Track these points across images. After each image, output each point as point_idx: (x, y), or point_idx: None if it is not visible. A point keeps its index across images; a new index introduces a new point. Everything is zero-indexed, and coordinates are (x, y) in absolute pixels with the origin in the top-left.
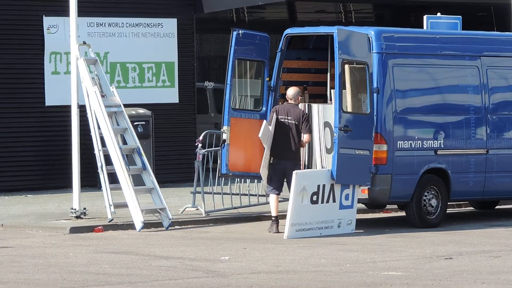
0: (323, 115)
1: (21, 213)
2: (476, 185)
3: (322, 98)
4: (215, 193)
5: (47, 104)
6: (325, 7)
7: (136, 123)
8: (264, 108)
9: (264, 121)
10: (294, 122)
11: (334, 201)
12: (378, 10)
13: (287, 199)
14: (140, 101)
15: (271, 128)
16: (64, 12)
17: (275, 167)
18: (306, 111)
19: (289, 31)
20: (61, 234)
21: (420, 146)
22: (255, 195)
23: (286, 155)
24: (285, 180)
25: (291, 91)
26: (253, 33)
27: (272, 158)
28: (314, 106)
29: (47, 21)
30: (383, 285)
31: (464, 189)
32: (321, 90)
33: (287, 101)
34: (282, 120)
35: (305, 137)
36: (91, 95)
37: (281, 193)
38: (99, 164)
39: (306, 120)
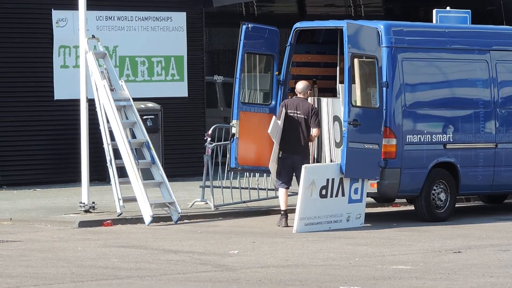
0: (332, 109)
1: (30, 207)
2: (485, 179)
3: (331, 92)
4: (224, 187)
5: (56, 98)
6: (334, 1)
7: (145, 117)
8: (273, 102)
9: (273, 116)
10: (303, 116)
11: (343, 195)
12: (388, 4)
13: (296, 193)
14: (149, 95)
15: (280, 122)
16: (73, 6)
17: (284, 161)
18: (315, 105)
19: (299, 25)
20: (70, 228)
21: (429, 140)
22: (264, 189)
23: (295, 149)
24: (294, 174)
25: (300, 85)
26: (262, 27)
27: (281, 152)
28: (324, 100)
29: (56, 14)
30: (391, 279)
31: (473, 183)
32: (331, 84)
33: (296, 95)
34: (291, 114)
35: (314, 131)
36: (100, 89)
37: (290, 187)
38: (108, 158)
39: (315, 114)
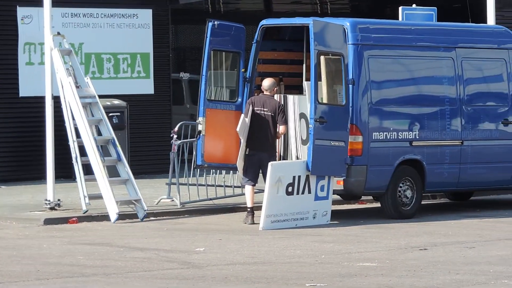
0: (298, 106)
1: None
2: (451, 176)
3: (297, 89)
4: (190, 185)
5: (21, 95)
6: None
7: (111, 114)
8: (239, 99)
9: (242, 115)
10: (270, 113)
11: (309, 192)
12: (354, 1)
13: (262, 190)
14: (115, 92)
15: (248, 120)
16: (38, 2)
17: (251, 159)
18: (282, 103)
19: (265, 22)
20: (35, 225)
21: (395, 138)
22: (231, 187)
23: (262, 146)
24: (260, 172)
25: (267, 82)
26: (228, 24)
27: (248, 149)
28: (290, 97)
29: (21, 11)
30: (358, 276)
31: (439, 180)
32: (297, 81)
33: (263, 92)
34: (258, 111)
35: (281, 128)
36: (66, 86)
37: (256, 184)
38: (73, 155)
39: (282, 111)
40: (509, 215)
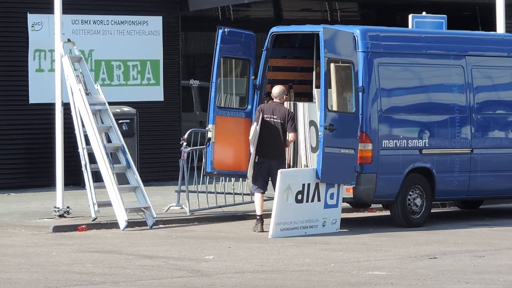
0: (308, 113)
1: (3, 212)
2: (460, 185)
3: (307, 97)
4: (199, 192)
5: (31, 102)
6: (310, 6)
7: (120, 121)
8: (249, 107)
9: (254, 123)
10: (279, 121)
11: (319, 200)
12: (364, 9)
13: (272, 198)
14: (125, 99)
15: (257, 127)
16: (49, 9)
17: (261, 166)
18: (292, 110)
19: (275, 29)
20: (44, 233)
21: (405, 145)
22: (240, 194)
23: (271, 154)
24: (270, 179)
25: (276, 90)
26: (238, 31)
27: (257, 157)
28: (300, 105)
29: (32, 18)
30: (367, 285)
31: (448, 189)
32: (307, 89)
33: (272, 99)
34: (268, 119)
35: (290, 136)
36: (76, 93)
37: (266, 192)
38: (83, 163)
39: (291, 119)
40: None
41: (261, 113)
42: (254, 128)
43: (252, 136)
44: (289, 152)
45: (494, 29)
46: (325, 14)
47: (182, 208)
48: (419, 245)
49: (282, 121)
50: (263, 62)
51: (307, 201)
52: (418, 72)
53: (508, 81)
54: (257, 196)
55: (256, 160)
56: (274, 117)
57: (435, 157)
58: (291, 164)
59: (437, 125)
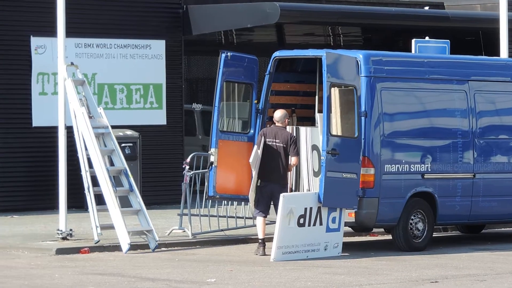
0: (311, 138)
1: (7, 234)
2: (462, 209)
3: (310, 121)
4: (202, 215)
5: (34, 125)
6: (313, 30)
7: (123, 145)
8: (252, 131)
9: (255, 146)
10: (282, 145)
11: (321, 224)
12: (367, 33)
13: (274, 222)
14: (127, 123)
15: (260, 151)
16: (52, 33)
17: (263, 190)
18: (294, 134)
19: (278, 53)
20: (47, 255)
21: (407, 170)
22: (242, 218)
23: (274, 178)
24: (272, 203)
25: (278, 114)
26: (241, 56)
27: (259, 180)
28: (302, 129)
29: (35, 41)
30: None
31: (450, 213)
32: (309, 113)
33: (274, 123)
34: (270, 143)
35: (293, 159)
36: (79, 116)
37: (268, 216)
38: (86, 185)
39: (294, 143)
40: None
41: (263, 137)
42: (255, 151)
43: (253, 159)
44: (291, 176)
45: (497, 54)
46: (328, 38)
47: (185, 231)
48: (420, 269)
49: (284, 145)
50: (266, 86)
51: (309, 225)
52: (420, 96)
53: (511, 106)
54: (259, 220)
55: (258, 184)
56: (277, 141)
57: (437, 181)
58: (293, 188)
59: (439, 149)
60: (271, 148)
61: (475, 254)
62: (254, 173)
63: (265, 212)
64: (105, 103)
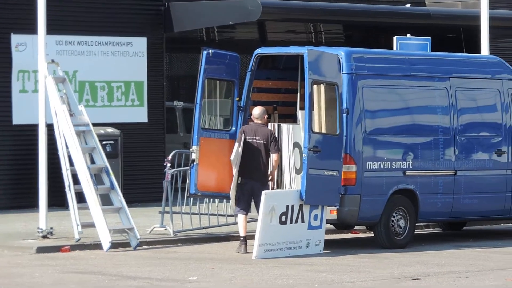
0: (292, 135)
1: None
2: (444, 206)
3: (291, 118)
4: (183, 213)
5: (14, 122)
6: (295, 27)
7: (104, 142)
8: (233, 128)
9: (236, 143)
10: (262, 141)
11: (302, 221)
12: (348, 30)
13: (256, 220)
14: (109, 120)
15: (240, 149)
16: (33, 30)
17: (243, 187)
18: (275, 131)
19: (259, 51)
20: (28, 253)
21: (389, 167)
22: (224, 215)
23: (254, 175)
24: (253, 201)
25: (257, 111)
26: (223, 53)
27: (240, 178)
28: (284, 126)
29: (15, 38)
30: None
31: (432, 210)
32: (291, 110)
33: (253, 121)
34: (250, 140)
35: (274, 156)
36: (59, 114)
37: (249, 213)
38: (66, 184)
39: (274, 139)
40: (503, 245)
41: (243, 135)
42: (236, 149)
43: (234, 157)
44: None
45: (479, 51)
46: (309, 35)
47: (166, 229)
48: (402, 266)
49: (265, 142)
50: (248, 84)
51: (291, 222)
52: (402, 94)
53: (492, 103)
54: (240, 218)
55: (239, 182)
56: (257, 138)
57: (419, 178)
58: (274, 186)
59: (421, 147)
60: (252, 145)
61: (457, 251)
62: (235, 171)
63: (246, 209)
64: (86, 101)
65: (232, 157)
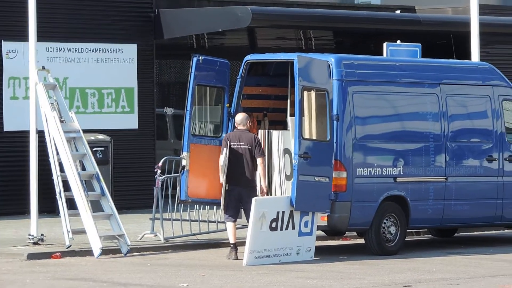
0: (283, 141)
1: None
2: (435, 213)
3: (282, 125)
4: (174, 220)
5: (5, 129)
6: (285, 34)
7: (95, 149)
8: (223, 135)
9: (224, 149)
10: (247, 147)
11: (293, 228)
12: (338, 37)
13: (246, 226)
14: (99, 127)
15: (226, 156)
16: (23, 37)
17: (231, 194)
18: (262, 137)
19: (250, 57)
20: (18, 260)
21: (380, 174)
22: (214, 222)
23: (241, 181)
24: (241, 207)
25: (240, 117)
26: (213, 59)
27: (227, 185)
28: (274, 133)
29: (6, 45)
30: None
31: (423, 217)
32: (281, 117)
33: (236, 127)
34: (235, 147)
35: (259, 160)
36: (50, 121)
37: (238, 220)
38: (57, 190)
39: (258, 144)
40: (494, 252)
41: (228, 141)
42: (224, 157)
43: (223, 163)
44: (264, 180)
45: (469, 58)
46: (299, 42)
47: (157, 235)
48: (393, 273)
49: (249, 147)
50: (238, 90)
51: (281, 229)
52: (392, 100)
53: (483, 110)
54: (229, 225)
55: (227, 188)
56: (241, 144)
57: (410, 185)
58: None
59: (411, 153)
60: (236, 151)
61: (447, 258)
62: (224, 178)
63: (234, 216)
64: (76, 107)
65: (221, 163)
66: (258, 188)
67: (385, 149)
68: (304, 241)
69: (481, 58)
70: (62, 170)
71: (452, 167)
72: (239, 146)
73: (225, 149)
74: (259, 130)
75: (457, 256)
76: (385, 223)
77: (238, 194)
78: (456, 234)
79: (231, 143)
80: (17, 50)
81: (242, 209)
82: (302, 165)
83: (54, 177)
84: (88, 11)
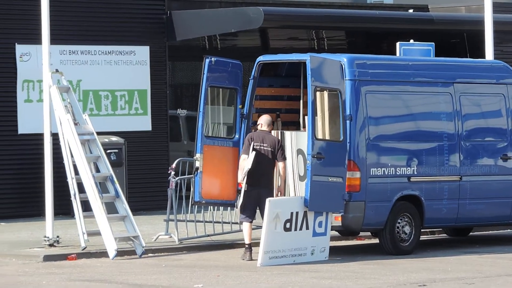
0: (296, 142)
1: None
2: (449, 212)
3: (295, 126)
4: (188, 221)
5: (19, 132)
6: (297, 34)
7: (109, 151)
8: (237, 136)
9: (253, 152)
10: (270, 149)
11: (307, 228)
12: (351, 37)
13: (260, 227)
14: (113, 129)
15: (251, 155)
16: (37, 40)
17: (250, 194)
18: (279, 138)
19: (262, 58)
20: (35, 262)
21: (393, 173)
22: (228, 223)
23: (261, 182)
24: (258, 208)
25: (265, 118)
26: (225, 61)
27: (246, 185)
28: (287, 134)
29: (20, 49)
30: None
31: (437, 216)
32: (294, 118)
33: (257, 128)
34: (258, 147)
35: (281, 164)
36: (64, 123)
37: (253, 221)
38: (72, 192)
39: (281, 147)
40: (509, 251)
41: (251, 141)
42: (250, 158)
43: (248, 165)
44: (277, 180)
45: (483, 56)
46: (312, 42)
47: (171, 237)
48: (408, 273)
49: (272, 149)
50: (250, 91)
51: (295, 229)
52: (406, 99)
53: (497, 108)
54: (245, 225)
55: (246, 189)
56: (264, 145)
57: (424, 184)
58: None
59: (425, 152)
60: (259, 152)
61: (463, 257)
62: (243, 178)
63: (251, 217)
64: (90, 110)
65: (247, 164)
66: (275, 189)
67: (399, 149)
68: (318, 241)
69: (495, 57)
70: (76, 172)
71: (467, 166)
72: (262, 147)
73: (253, 152)
74: (272, 131)
75: (472, 255)
76: (399, 223)
77: (257, 195)
78: (471, 233)
79: (254, 143)
80: (30, 53)
81: (258, 210)
82: (315, 165)
83: (69, 180)
84: (100, 13)
